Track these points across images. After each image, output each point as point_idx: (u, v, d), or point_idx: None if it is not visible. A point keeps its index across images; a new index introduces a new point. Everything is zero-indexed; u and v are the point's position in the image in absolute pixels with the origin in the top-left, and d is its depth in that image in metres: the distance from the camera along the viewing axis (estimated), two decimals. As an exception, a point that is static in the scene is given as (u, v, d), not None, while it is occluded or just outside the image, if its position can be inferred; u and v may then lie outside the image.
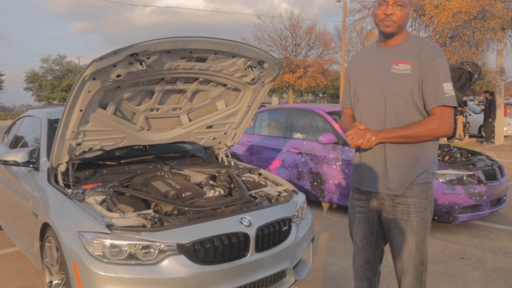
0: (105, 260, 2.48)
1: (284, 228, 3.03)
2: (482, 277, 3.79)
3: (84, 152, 3.28)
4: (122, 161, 3.66)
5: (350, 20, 17.15)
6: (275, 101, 40.99)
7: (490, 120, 14.67)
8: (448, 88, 2.13)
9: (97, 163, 3.55)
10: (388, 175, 2.21)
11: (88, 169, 3.44)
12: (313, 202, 6.06)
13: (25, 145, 4.25)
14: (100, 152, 3.40)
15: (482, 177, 5.13)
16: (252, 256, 2.77)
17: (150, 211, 2.81)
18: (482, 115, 15.55)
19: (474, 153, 6.08)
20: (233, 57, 3.09)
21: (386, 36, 2.24)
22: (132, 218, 2.69)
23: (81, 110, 2.90)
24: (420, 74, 2.13)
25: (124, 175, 3.41)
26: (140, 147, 3.91)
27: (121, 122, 3.27)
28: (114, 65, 2.64)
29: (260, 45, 31.32)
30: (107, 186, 3.04)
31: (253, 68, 3.26)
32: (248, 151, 6.97)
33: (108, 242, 2.50)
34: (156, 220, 2.69)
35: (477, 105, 28.93)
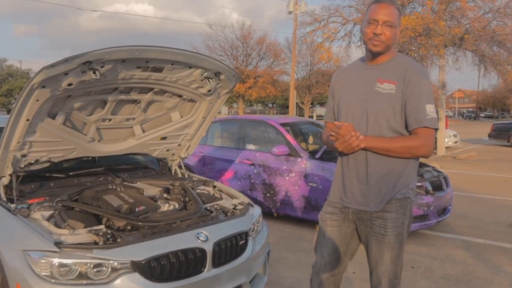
0: (53, 281, 2.32)
1: (241, 242, 2.98)
2: (431, 285, 3.90)
3: (30, 164, 3.09)
4: (71, 174, 3.48)
5: (301, 32, 17.45)
6: (224, 110, 40.99)
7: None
8: (430, 109, 2.15)
9: (44, 176, 3.35)
10: (369, 192, 2.22)
11: (33, 182, 3.24)
12: (265, 213, 6.04)
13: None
14: (47, 164, 3.22)
15: (430, 188, 5.31)
16: (209, 271, 2.70)
17: (102, 226, 2.67)
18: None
19: (421, 165, 6.29)
20: (190, 67, 3.03)
21: (373, 55, 2.25)
22: (82, 234, 2.55)
23: (28, 120, 2.73)
24: (404, 95, 2.15)
25: (73, 188, 3.24)
26: (90, 158, 3.74)
27: (71, 133, 3.11)
28: (66, 73, 2.51)
29: (211, 55, 31.25)
30: (55, 200, 2.87)
31: (209, 79, 3.21)
32: (200, 162, 6.87)
33: (56, 261, 2.34)
34: (109, 236, 2.56)
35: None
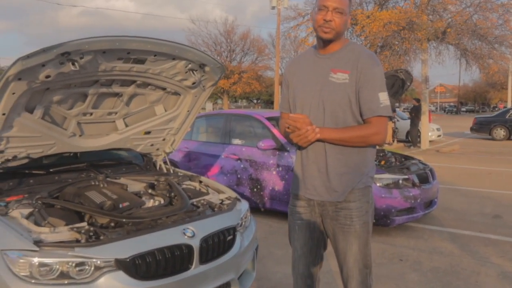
0: (33, 281, 2.22)
1: (229, 238, 2.91)
2: (420, 278, 3.88)
3: (8, 160, 2.97)
4: (51, 170, 3.36)
5: (285, 27, 17.43)
6: (209, 106, 40.77)
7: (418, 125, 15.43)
8: (384, 98, 2.15)
9: (23, 172, 3.22)
10: (331, 183, 2.21)
11: (12, 179, 3.12)
12: (253, 208, 5.97)
13: None
14: (26, 160, 3.10)
15: (416, 181, 5.30)
16: (196, 268, 2.62)
17: (84, 224, 2.57)
18: (409, 121, 16.33)
19: (407, 158, 6.30)
20: (174, 59, 2.94)
21: (324, 42, 2.23)
22: (63, 232, 2.45)
23: (3, 114, 2.61)
24: (357, 83, 2.15)
25: (54, 185, 3.13)
26: (72, 154, 3.62)
27: (50, 128, 2.99)
28: (43, 65, 2.40)
29: (194, 50, 31.10)
30: (35, 198, 2.76)
31: (194, 71, 3.12)
32: (185, 158, 6.78)
33: (36, 260, 2.24)
34: (91, 233, 2.46)
35: (403, 111, 30.41)
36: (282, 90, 2.50)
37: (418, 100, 15.56)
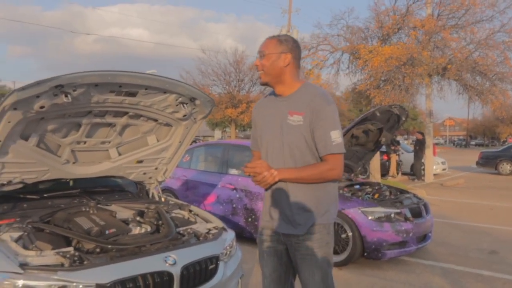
0: (17, 303, 2.32)
1: (211, 266, 2.98)
2: (406, 313, 3.89)
3: (3, 185, 3.10)
4: (45, 195, 3.49)
5: (292, 59, 17.67)
6: (218, 134, 41.03)
7: (422, 158, 15.44)
8: (336, 136, 2.28)
9: (17, 197, 3.36)
10: (294, 218, 2.35)
11: (6, 203, 3.25)
12: (248, 238, 6.03)
13: None
14: (20, 185, 3.23)
15: (409, 215, 5.34)
16: (176, 296, 2.70)
17: (71, 249, 2.67)
18: (413, 154, 16.34)
19: (402, 191, 6.34)
20: (165, 92, 3.09)
21: (273, 86, 2.42)
22: (49, 256, 2.55)
23: None
24: (310, 124, 2.29)
25: (46, 209, 3.24)
26: (67, 180, 3.75)
27: (45, 155, 3.14)
28: (37, 96, 2.55)
29: (204, 79, 31.49)
30: (25, 222, 2.88)
31: (184, 105, 3.27)
32: (183, 186, 6.88)
33: (20, 282, 2.34)
34: (76, 258, 2.56)
35: (410, 144, 30.40)
36: (252, 129, 2.67)
37: (422, 134, 15.62)
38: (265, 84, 2.40)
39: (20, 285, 2.34)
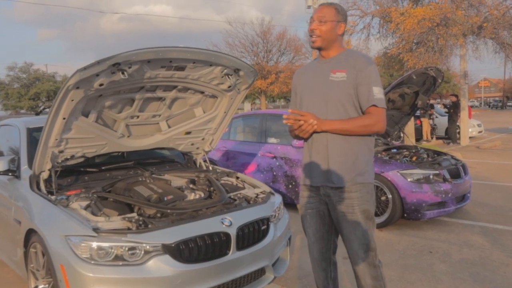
0: (93, 262, 2.58)
1: (263, 227, 3.18)
2: (448, 268, 4.03)
3: (67, 159, 3.36)
4: (103, 168, 3.75)
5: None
6: (247, 107, 41.20)
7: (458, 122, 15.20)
8: (377, 91, 2.42)
9: (79, 170, 3.63)
10: (330, 170, 2.47)
11: (70, 176, 3.52)
12: (289, 204, 6.22)
13: (1, 154, 4.27)
14: (82, 159, 3.49)
15: (447, 176, 5.41)
16: (233, 254, 2.92)
17: (134, 214, 2.92)
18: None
19: (439, 153, 6.38)
20: (211, 65, 3.24)
21: (320, 50, 2.56)
22: (117, 221, 2.80)
23: (64, 118, 2.99)
24: (355, 80, 2.42)
25: (106, 181, 3.51)
26: (119, 153, 4.00)
27: (103, 130, 3.37)
28: (97, 75, 2.75)
29: (231, 52, 31.38)
30: (91, 192, 3.14)
31: (229, 76, 3.42)
32: (224, 157, 7.10)
33: (95, 244, 2.60)
34: (141, 222, 2.80)
35: (443, 107, 29.80)
36: (291, 96, 2.79)
37: (456, 96, 15.34)
38: (317, 48, 2.53)
39: (95, 247, 2.60)
